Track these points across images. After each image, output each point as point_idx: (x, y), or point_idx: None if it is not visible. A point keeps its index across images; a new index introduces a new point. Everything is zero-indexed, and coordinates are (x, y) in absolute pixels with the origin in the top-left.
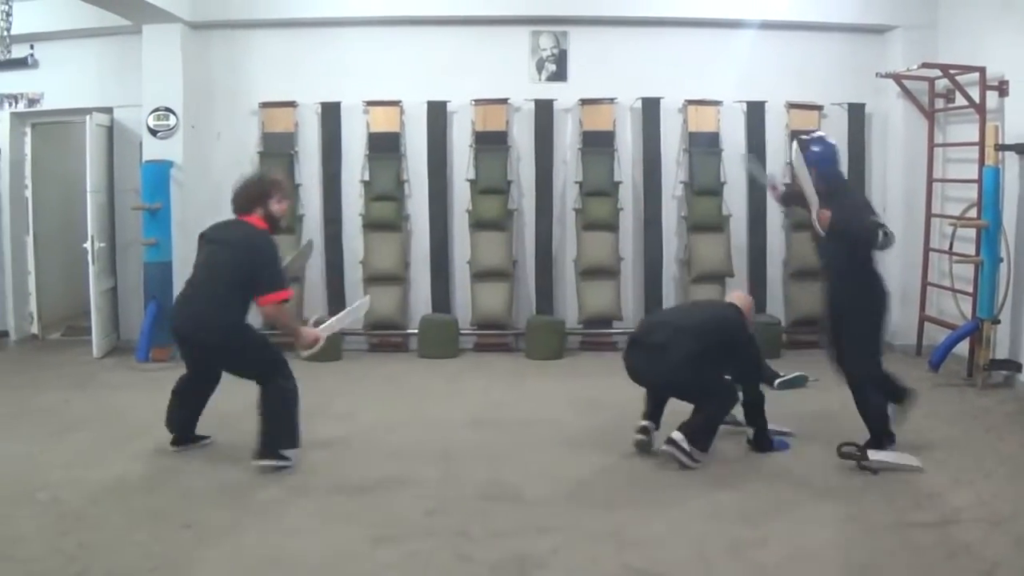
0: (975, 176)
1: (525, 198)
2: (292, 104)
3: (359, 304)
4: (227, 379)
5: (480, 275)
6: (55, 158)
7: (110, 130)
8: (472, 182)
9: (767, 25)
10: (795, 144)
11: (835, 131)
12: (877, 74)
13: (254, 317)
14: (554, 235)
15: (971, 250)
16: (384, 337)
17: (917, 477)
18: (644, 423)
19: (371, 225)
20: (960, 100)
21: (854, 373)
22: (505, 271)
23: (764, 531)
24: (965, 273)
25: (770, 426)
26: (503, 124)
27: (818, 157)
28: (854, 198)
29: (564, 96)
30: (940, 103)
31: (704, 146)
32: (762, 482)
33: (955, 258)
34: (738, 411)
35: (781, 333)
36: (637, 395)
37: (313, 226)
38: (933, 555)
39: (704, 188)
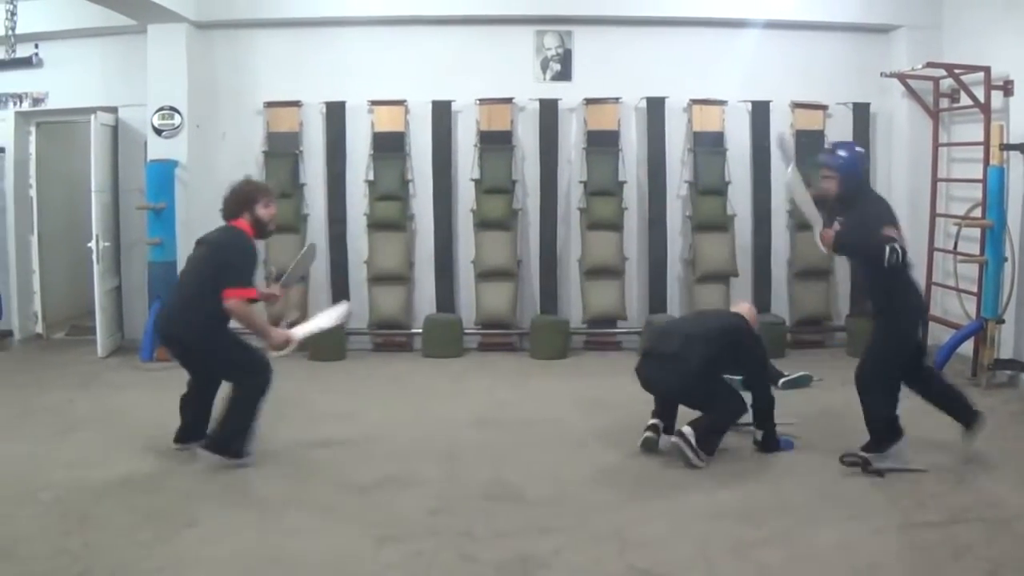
0: (980, 176)
1: (529, 198)
2: (297, 104)
3: (337, 310)
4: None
5: (484, 275)
6: (60, 157)
7: (115, 129)
8: (476, 182)
9: (772, 24)
10: (791, 168)
11: (840, 131)
12: (882, 74)
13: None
14: (558, 235)
15: (975, 250)
16: (388, 337)
17: (921, 477)
18: (654, 421)
19: (375, 225)
20: (965, 100)
21: (863, 379)
22: (509, 271)
23: (767, 531)
24: (969, 273)
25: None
26: (507, 124)
27: (842, 162)
28: (873, 209)
29: (568, 96)
30: (945, 103)
31: (709, 146)
32: (765, 482)
33: (959, 258)
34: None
35: (786, 333)
36: (641, 395)
37: (317, 226)
38: (937, 555)
39: (708, 188)
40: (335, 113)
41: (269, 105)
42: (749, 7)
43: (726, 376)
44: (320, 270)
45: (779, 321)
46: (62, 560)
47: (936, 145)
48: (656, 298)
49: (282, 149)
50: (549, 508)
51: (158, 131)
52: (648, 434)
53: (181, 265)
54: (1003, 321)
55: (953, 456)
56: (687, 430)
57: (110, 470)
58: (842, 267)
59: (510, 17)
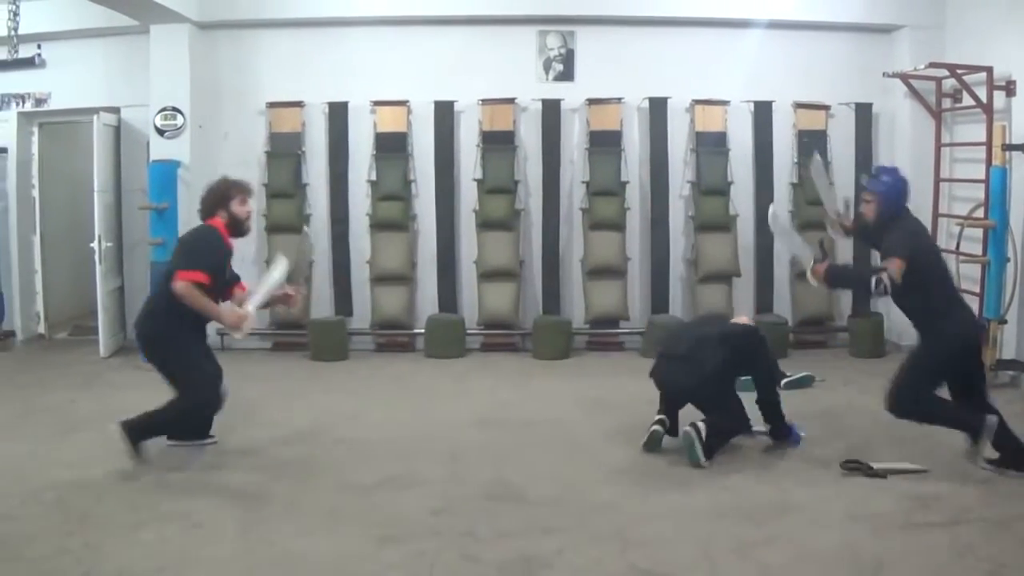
0: (982, 176)
1: (532, 198)
2: (299, 104)
3: (278, 267)
4: (234, 381)
5: (487, 275)
6: (62, 158)
7: (117, 130)
8: (479, 182)
9: (774, 25)
10: (772, 209)
11: (842, 131)
12: (884, 74)
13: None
14: (561, 235)
15: (978, 250)
16: (391, 337)
17: (924, 477)
18: (660, 416)
19: (378, 225)
20: (967, 100)
21: (895, 404)
22: (512, 271)
23: (770, 531)
24: (972, 273)
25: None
26: (510, 124)
27: (884, 188)
28: (895, 236)
29: (571, 96)
30: (947, 103)
31: (711, 146)
32: (767, 482)
33: (962, 258)
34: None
35: (788, 333)
36: (643, 395)
37: (320, 226)
38: (940, 555)
39: (711, 188)
40: (338, 113)
41: (271, 105)
42: (752, 7)
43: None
44: (323, 270)
45: (781, 321)
46: (64, 560)
47: (938, 145)
48: (658, 298)
49: (284, 149)
50: (551, 508)
51: (160, 131)
52: (655, 427)
53: None
54: (1005, 321)
55: (954, 456)
56: (700, 425)
57: (112, 470)
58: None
59: (513, 17)
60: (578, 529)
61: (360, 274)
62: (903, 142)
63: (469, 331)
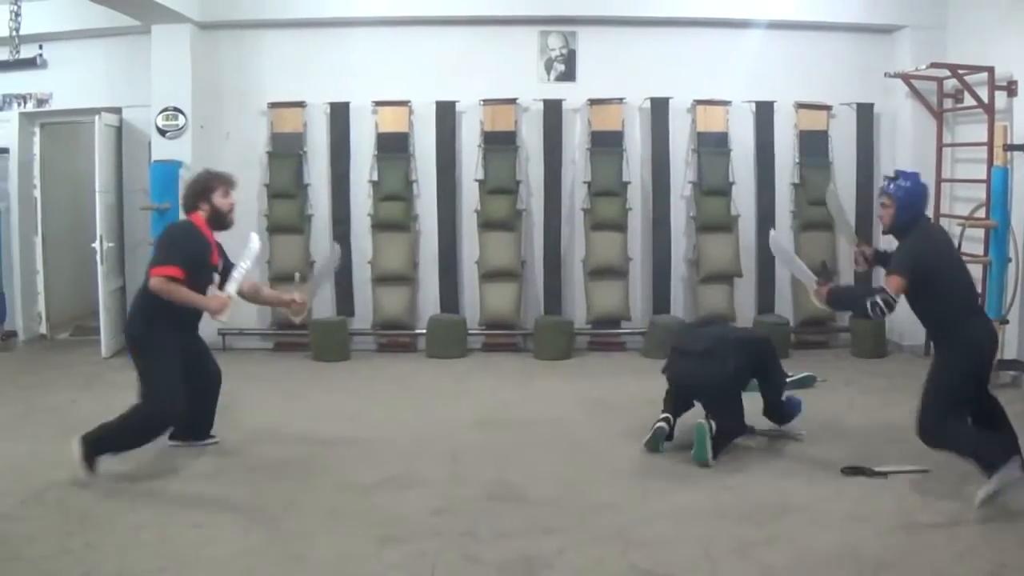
0: (984, 176)
1: (534, 198)
2: (301, 104)
3: (250, 248)
4: (236, 382)
5: (488, 275)
6: (64, 158)
7: (119, 130)
8: (481, 182)
9: (775, 25)
10: (772, 233)
11: (844, 131)
12: (886, 74)
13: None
14: (563, 235)
15: (979, 250)
16: (392, 337)
17: (925, 478)
18: (666, 415)
19: (380, 225)
20: (969, 100)
21: (922, 427)
22: (513, 271)
23: (770, 531)
24: (973, 273)
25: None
26: (512, 124)
27: (902, 193)
28: (905, 248)
29: (573, 96)
30: (949, 103)
31: (713, 146)
32: (768, 483)
33: (963, 258)
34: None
35: (790, 333)
36: (644, 396)
37: (321, 226)
38: (942, 556)
39: (713, 188)
40: (339, 114)
41: (273, 106)
42: (753, 7)
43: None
44: None
45: (783, 321)
46: (64, 560)
47: (940, 145)
48: (660, 298)
49: (286, 150)
50: (552, 508)
51: (162, 132)
52: (660, 424)
53: None
54: (1007, 322)
55: (955, 456)
56: (711, 423)
57: (113, 470)
58: (845, 268)
59: (514, 18)
60: (579, 529)
61: (361, 274)
62: (904, 142)
63: (470, 331)
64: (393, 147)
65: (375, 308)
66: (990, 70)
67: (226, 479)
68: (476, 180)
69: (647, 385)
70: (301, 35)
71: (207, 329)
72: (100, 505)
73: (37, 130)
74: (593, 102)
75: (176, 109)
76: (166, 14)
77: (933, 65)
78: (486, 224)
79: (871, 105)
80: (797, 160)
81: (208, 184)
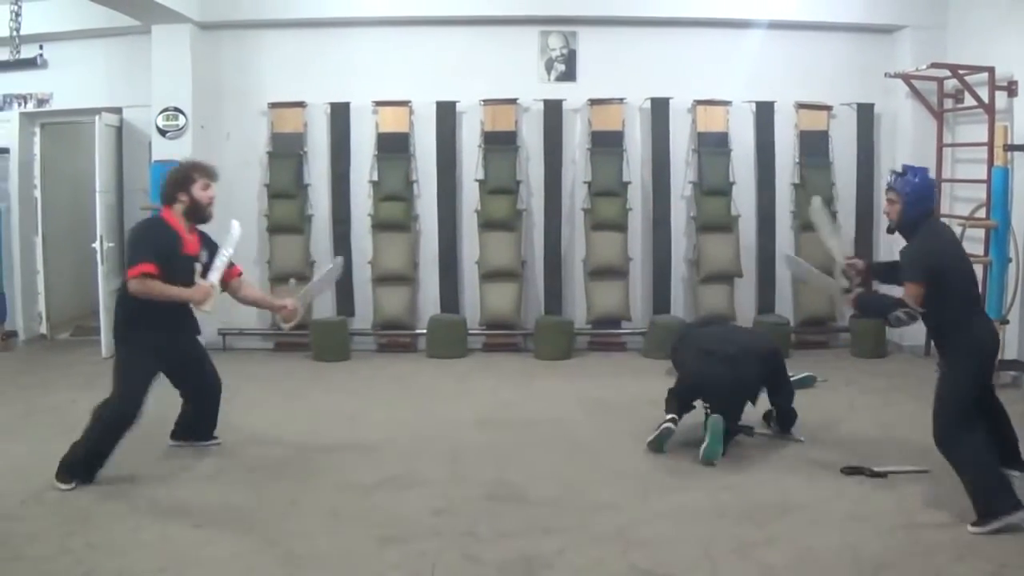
0: (984, 176)
1: (534, 198)
2: (301, 104)
3: (231, 233)
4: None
5: (489, 275)
6: (64, 158)
7: (119, 130)
8: (481, 182)
9: (776, 25)
10: (788, 255)
11: (844, 131)
12: (886, 74)
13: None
14: (563, 235)
15: (980, 250)
16: (392, 337)
17: (925, 478)
18: (674, 415)
19: (380, 225)
20: (969, 100)
21: (939, 434)
22: (514, 271)
23: (771, 531)
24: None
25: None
26: (512, 124)
27: (911, 188)
28: (916, 250)
29: (573, 96)
30: (949, 103)
31: (713, 146)
32: (768, 483)
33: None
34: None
35: (790, 333)
36: (645, 396)
37: (322, 226)
38: (942, 556)
39: (713, 188)
40: (339, 114)
41: (273, 106)
42: (753, 8)
43: None
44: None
45: (783, 322)
46: (65, 560)
47: (940, 146)
48: (660, 299)
49: (286, 150)
50: (552, 508)
51: (162, 132)
52: (668, 425)
53: None
54: (1007, 322)
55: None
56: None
57: (113, 470)
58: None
59: (514, 18)
60: (579, 529)
61: (362, 274)
62: (905, 142)
63: (471, 331)
64: (393, 147)
65: (375, 308)
66: (990, 70)
67: (226, 479)
68: (476, 180)
69: (647, 385)
70: (301, 35)
71: (207, 329)
72: (100, 505)
73: (37, 130)
74: (593, 102)
75: (176, 109)
76: (166, 14)
77: (933, 65)
78: (486, 224)
79: (871, 105)
80: (797, 160)
81: (189, 175)
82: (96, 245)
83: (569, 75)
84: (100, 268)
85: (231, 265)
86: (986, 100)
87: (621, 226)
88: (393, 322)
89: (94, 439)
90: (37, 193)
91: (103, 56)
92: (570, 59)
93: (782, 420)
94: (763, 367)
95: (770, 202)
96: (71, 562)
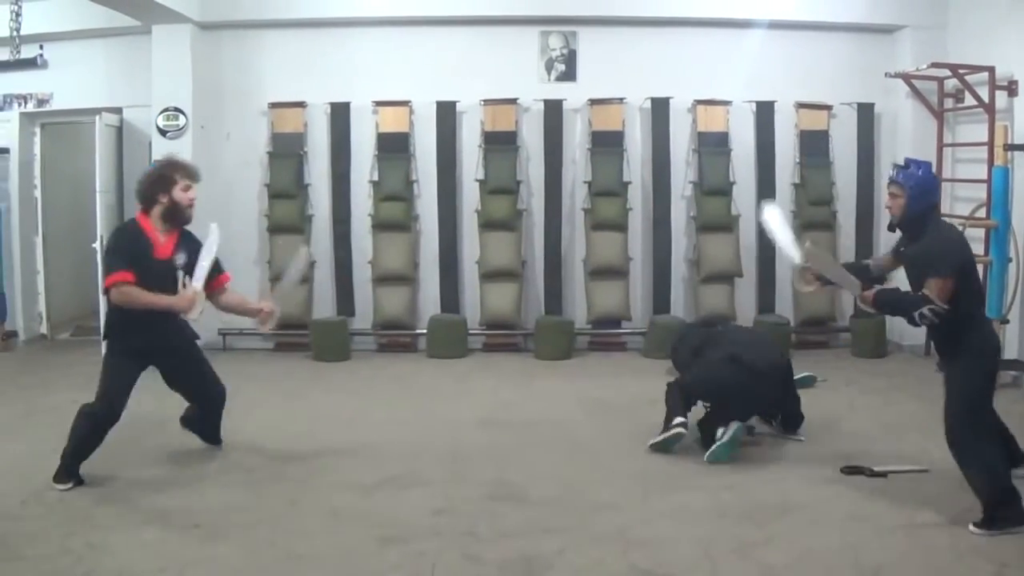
0: (984, 176)
1: (534, 198)
2: (301, 104)
3: (210, 236)
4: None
5: (489, 275)
6: (64, 158)
7: (119, 130)
8: (481, 182)
9: (776, 25)
10: (808, 245)
11: (844, 131)
12: (886, 74)
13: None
14: (563, 235)
15: (980, 250)
16: (393, 337)
17: (925, 478)
18: (685, 419)
19: (380, 225)
20: (969, 100)
21: (951, 437)
22: (514, 271)
23: (771, 531)
24: None
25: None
26: (512, 124)
27: (915, 181)
28: (935, 248)
29: (573, 96)
30: (949, 103)
31: (713, 146)
32: (768, 483)
33: None
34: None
35: (790, 333)
36: (645, 395)
37: (322, 226)
38: (942, 556)
39: (713, 188)
40: (340, 114)
41: (273, 106)
42: (753, 8)
43: None
44: (325, 270)
45: (783, 321)
46: (65, 560)
47: (940, 145)
48: (660, 299)
49: (286, 150)
50: (553, 508)
51: (163, 132)
52: (680, 430)
53: None
54: (1007, 321)
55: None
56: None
57: (113, 470)
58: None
59: (515, 18)
60: (579, 529)
61: (362, 274)
62: (905, 142)
63: (471, 331)
64: (394, 147)
65: (375, 308)
66: (991, 70)
67: (226, 479)
68: (477, 180)
69: (648, 385)
70: (302, 35)
71: (208, 329)
72: (100, 505)
73: (38, 130)
74: (594, 102)
75: (177, 109)
76: (166, 14)
77: (934, 65)
78: (487, 224)
79: (872, 105)
80: (798, 160)
81: (170, 176)
82: (96, 245)
83: (569, 75)
84: (100, 268)
85: (220, 272)
86: (986, 100)
87: (621, 226)
88: (393, 322)
89: (75, 439)
90: (37, 193)
91: (103, 56)
92: (570, 59)
93: (788, 422)
94: (784, 384)
95: (769, 199)
96: (71, 562)
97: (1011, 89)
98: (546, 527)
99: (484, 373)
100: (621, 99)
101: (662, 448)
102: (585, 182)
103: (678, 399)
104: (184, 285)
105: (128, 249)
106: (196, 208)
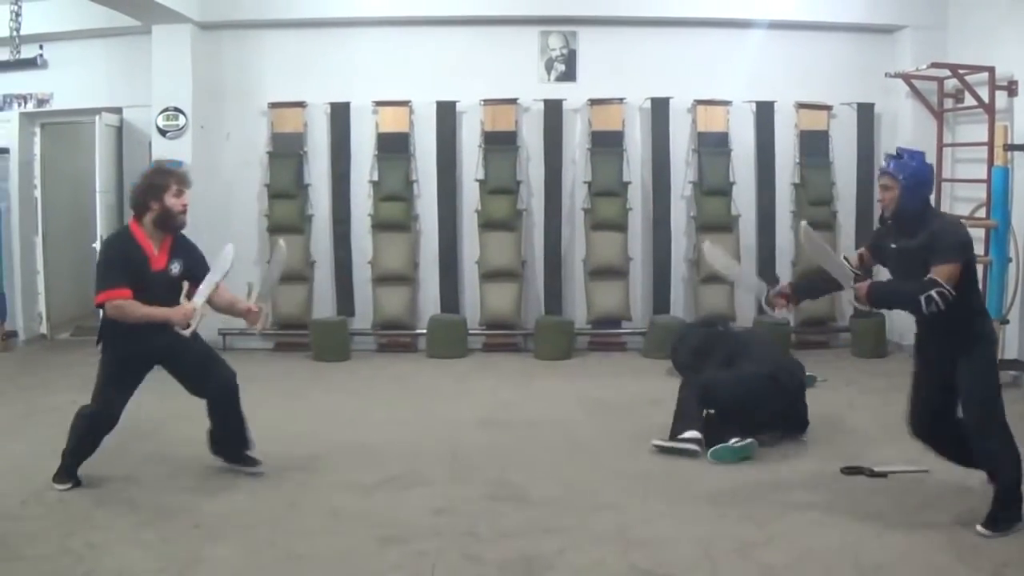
0: (984, 176)
1: (534, 198)
2: (301, 104)
3: (223, 257)
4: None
5: (489, 275)
6: (64, 158)
7: (119, 130)
8: (481, 182)
9: (776, 25)
10: (804, 224)
11: (844, 131)
12: (886, 74)
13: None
14: (563, 235)
15: (980, 250)
16: (392, 337)
17: (925, 478)
18: (699, 435)
19: (380, 225)
20: (969, 100)
21: (984, 423)
22: (514, 271)
23: (771, 531)
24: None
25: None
26: (512, 124)
27: (909, 172)
28: (948, 239)
29: (573, 96)
30: (949, 103)
31: (713, 146)
32: (768, 483)
33: None
34: None
35: (790, 333)
36: (645, 396)
37: (322, 226)
38: (942, 556)
39: (713, 188)
40: (339, 114)
41: (273, 106)
42: (753, 8)
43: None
44: (324, 271)
45: (783, 322)
46: (65, 560)
47: (940, 145)
48: (660, 299)
49: (286, 150)
50: (553, 508)
51: (162, 132)
52: (695, 447)
53: None
54: (1007, 321)
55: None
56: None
57: (114, 471)
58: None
59: (514, 18)
60: (579, 529)
61: (362, 274)
62: (905, 142)
63: (471, 331)
64: (394, 147)
65: (375, 308)
66: (991, 70)
67: (226, 479)
68: (476, 180)
69: (647, 385)
70: (302, 35)
71: (208, 329)
72: (100, 505)
73: (38, 130)
74: (593, 102)
75: (177, 109)
76: (166, 14)
77: (934, 65)
78: (486, 224)
79: (872, 105)
80: (798, 160)
81: (163, 182)
82: (96, 245)
83: (569, 75)
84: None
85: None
86: (986, 100)
87: (621, 226)
88: (393, 322)
89: (74, 441)
90: (37, 193)
91: (103, 56)
92: (570, 59)
93: (794, 426)
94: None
95: (770, 202)
96: (71, 562)
97: (1011, 89)
98: (546, 527)
99: (484, 373)
100: (621, 99)
101: (667, 452)
102: (585, 182)
103: (695, 407)
104: (188, 297)
105: (124, 262)
106: (196, 210)
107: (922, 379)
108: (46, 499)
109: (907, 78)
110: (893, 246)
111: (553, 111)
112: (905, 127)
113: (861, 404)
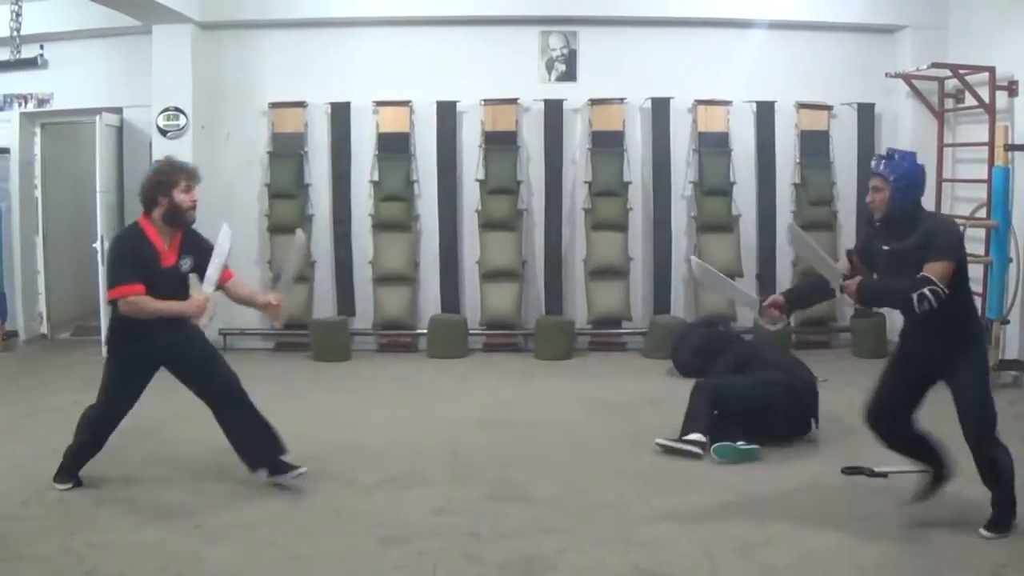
0: (985, 176)
1: (534, 198)
2: (302, 104)
3: (221, 238)
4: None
5: (489, 275)
6: (65, 158)
7: (120, 130)
8: (481, 182)
9: (776, 25)
10: (790, 222)
11: (844, 131)
12: (887, 74)
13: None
14: (563, 235)
15: (980, 250)
16: (393, 337)
17: (925, 478)
18: (704, 438)
19: (380, 225)
20: (970, 100)
21: (984, 423)
22: (514, 271)
23: (771, 531)
24: (974, 273)
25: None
26: (512, 124)
27: (901, 172)
28: (938, 235)
29: (573, 96)
30: (950, 103)
31: (713, 146)
32: (768, 483)
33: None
34: None
35: (791, 333)
36: (646, 395)
37: (322, 226)
38: (943, 556)
39: (713, 188)
40: (340, 114)
41: (274, 106)
42: (754, 8)
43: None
44: (325, 270)
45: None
46: (66, 560)
47: (941, 145)
48: (661, 299)
49: (287, 150)
50: (553, 508)
51: (163, 132)
52: (698, 451)
53: None
54: (1008, 322)
55: (955, 455)
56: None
57: (115, 471)
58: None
59: (515, 18)
60: (580, 529)
61: (362, 274)
62: (905, 142)
63: (471, 331)
64: (394, 147)
65: (376, 308)
66: (991, 70)
67: (226, 479)
68: (477, 180)
69: (648, 385)
70: (302, 35)
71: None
72: (101, 505)
73: (38, 130)
74: (594, 102)
75: (177, 109)
76: (167, 14)
77: (934, 65)
78: (487, 224)
79: (872, 105)
80: (798, 160)
81: (172, 178)
82: (97, 245)
83: (569, 75)
84: (101, 268)
85: (225, 268)
86: (987, 100)
87: (621, 226)
88: (393, 322)
89: (77, 442)
90: (38, 193)
91: (103, 56)
92: (570, 59)
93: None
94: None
95: (770, 202)
96: (71, 562)
97: (1011, 89)
98: (547, 527)
99: (484, 373)
100: (621, 99)
101: (669, 452)
102: (585, 182)
103: (704, 410)
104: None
105: (135, 259)
106: (203, 209)
107: (895, 373)
108: (47, 499)
109: (907, 78)
110: (885, 248)
111: (553, 111)
112: (905, 127)
113: (861, 404)
